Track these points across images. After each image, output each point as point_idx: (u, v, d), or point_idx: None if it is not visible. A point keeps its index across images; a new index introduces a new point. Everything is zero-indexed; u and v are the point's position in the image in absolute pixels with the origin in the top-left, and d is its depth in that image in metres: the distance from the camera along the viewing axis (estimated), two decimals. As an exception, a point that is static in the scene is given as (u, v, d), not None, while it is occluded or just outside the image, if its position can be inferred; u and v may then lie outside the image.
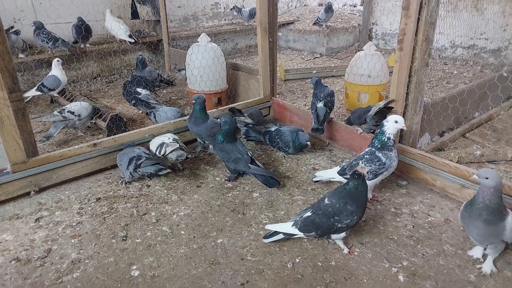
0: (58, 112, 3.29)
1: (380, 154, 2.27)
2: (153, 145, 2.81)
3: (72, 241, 2.11)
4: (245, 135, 3.25)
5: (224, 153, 2.71)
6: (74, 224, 2.26)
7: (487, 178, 1.75)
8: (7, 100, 2.30)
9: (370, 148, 2.35)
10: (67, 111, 3.28)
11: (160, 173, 2.63)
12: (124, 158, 2.64)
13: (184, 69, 4.76)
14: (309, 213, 2.01)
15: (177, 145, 2.75)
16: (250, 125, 3.27)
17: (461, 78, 5.10)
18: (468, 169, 2.28)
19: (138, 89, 3.96)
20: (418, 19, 2.26)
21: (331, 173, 2.51)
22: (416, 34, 2.30)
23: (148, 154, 2.70)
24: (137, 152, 2.67)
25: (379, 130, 2.34)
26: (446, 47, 6.04)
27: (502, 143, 3.16)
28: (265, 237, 2.07)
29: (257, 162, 2.70)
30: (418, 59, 2.34)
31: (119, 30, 5.00)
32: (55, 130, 3.26)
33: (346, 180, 2.34)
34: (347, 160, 2.86)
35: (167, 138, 2.83)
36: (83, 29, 4.74)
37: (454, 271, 1.86)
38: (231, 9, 7.12)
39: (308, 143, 2.93)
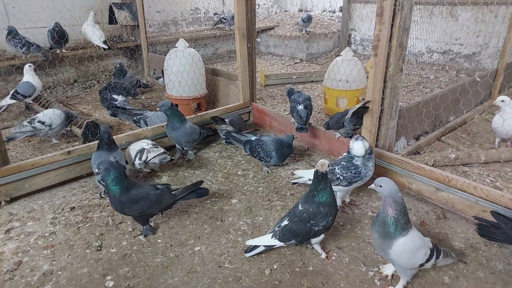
0: (27, 122, 3.18)
1: (358, 163, 2.26)
2: (132, 151, 2.75)
3: (44, 252, 2.04)
4: (225, 138, 3.24)
5: (141, 201, 2.05)
6: (46, 234, 2.18)
7: (381, 186, 1.68)
8: (-25, 108, 2.22)
9: (346, 154, 2.35)
10: (37, 121, 3.18)
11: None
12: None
13: (162, 77, 4.72)
14: (286, 222, 2.00)
15: (161, 150, 2.73)
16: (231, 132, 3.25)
17: (437, 82, 5.24)
18: (442, 172, 2.32)
19: (114, 96, 3.89)
20: (392, 25, 2.31)
21: (309, 174, 2.45)
22: (390, 40, 2.35)
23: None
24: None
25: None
26: (423, 52, 6.20)
27: (476, 146, 3.25)
28: (246, 251, 2.03)
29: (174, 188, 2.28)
30: (392, 64, 2.39)
31: (93, 35, 4.93)
32: (20, 135, 3.15)
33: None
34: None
35: (146, 143, 2.79)
36: (56, 35, 4.63)
37: (429, 273, 1.89)
38: (214, 14, 7.12)
39: (295, 135, 2.95)
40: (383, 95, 2.49)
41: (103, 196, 2.54)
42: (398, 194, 1.66)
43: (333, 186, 2.29)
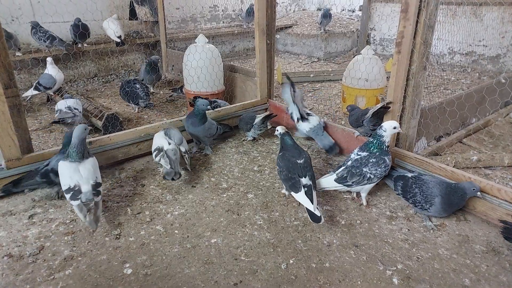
0: (67, 108, 3.30)
1: (385, 157, 2.30)
2: (156, 140, 2.73)
3: (65, 238, 2.08)
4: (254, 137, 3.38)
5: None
6: (67, 221, 2.23)
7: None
8: (3, 96, 2.29)
9: (367, 153, 2.34)
10: (74, 108, 3.32)
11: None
12: None
13: (175, 92, 4.67)
14: (307, 179, 2.25)
15: (169, 168, 2.51)
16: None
17: (459, 84, 5.13)
18: (464, 174, 2.27)
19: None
20: (417, 22, 2.27)
21: (326, 182, 2.42)
22: (414, 37, 2.31)
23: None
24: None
25: (375, 137, 2.34)
26: (445, 53, 6.08)
27: (499, 149, 3.17)
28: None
29: None
30: (416, 62, 2.35)
31: (108, 29, 5.04)
32: (66, 116, 3.27)
33: (343, 187, 2.37)
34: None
35: (168, 143, 2.66)
36: (80, 28, 4.73)
37: (449, 275, 1.85)
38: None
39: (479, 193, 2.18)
40: (405, 93, 2.45)
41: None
42: (74, 140, 2.21)
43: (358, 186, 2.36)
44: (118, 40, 5.02)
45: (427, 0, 2.23)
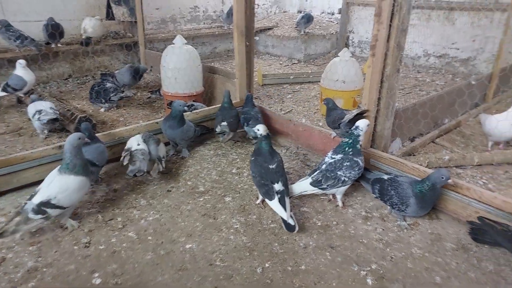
0: (51, 108, 3.28)
1: (358, 159, 2.32)
2: (130, 141, 2.69)
3: (30, 248, 1.99)
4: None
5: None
6: (33, 230, 2.13)
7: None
8: (-36, 99, 2.17)
9: (342, 155, 2.35)
10: (55, 109, 3.34)
11: None
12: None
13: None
14: (280, 185, 2.23)
15: (135, 166, 2.51)
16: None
17: (433, 86, 5.25)
18: (436, 173, 2.31)
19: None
20: (390, 25, 2.30)
21: (302, 187, 2.39)
22: (388, 41, 2.34)
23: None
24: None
25: (352, 138, 2.35)
26: (420, 55, 6.22)
27: (470, 148, 3.26)
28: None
29: None
30: (390, 65, 2.38)
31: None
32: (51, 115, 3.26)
33: (319, 190, 2.36)
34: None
35: (137, 143, 2.63)
36: (53, 28, 4.59)
37: (421, 273, 1.87)
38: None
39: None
40: (379, 95, 2.48)
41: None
42: (65, 148, 2.06)
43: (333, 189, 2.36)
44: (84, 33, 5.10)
45: (400, 4, 2.26)
